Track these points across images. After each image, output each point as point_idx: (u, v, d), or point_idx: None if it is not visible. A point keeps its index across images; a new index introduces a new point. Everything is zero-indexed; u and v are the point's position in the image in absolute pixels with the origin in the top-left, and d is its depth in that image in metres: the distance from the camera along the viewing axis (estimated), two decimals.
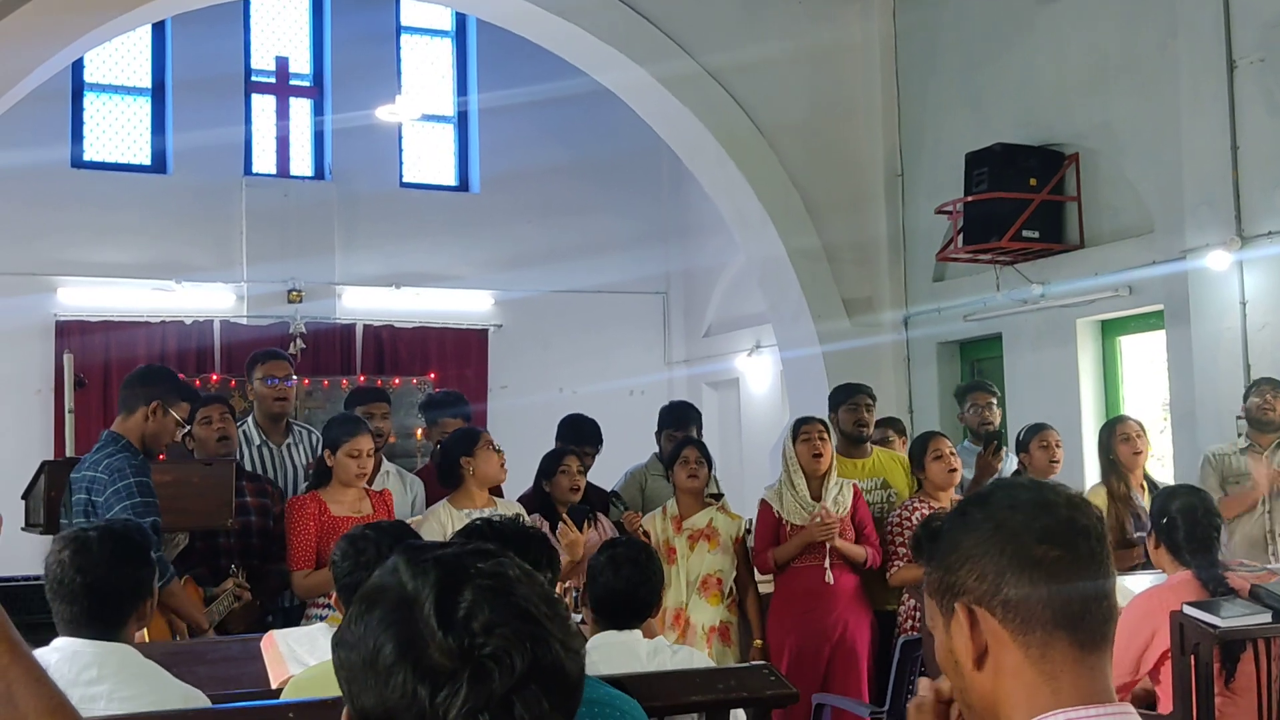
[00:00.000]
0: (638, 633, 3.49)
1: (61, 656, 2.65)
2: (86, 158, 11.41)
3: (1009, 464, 6.40)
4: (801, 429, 5.79)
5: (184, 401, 4.59)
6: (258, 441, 5.75)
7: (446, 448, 5.41)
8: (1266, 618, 3.84)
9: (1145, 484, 5.95)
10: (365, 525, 3.24)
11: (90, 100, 11.52)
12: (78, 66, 11.08)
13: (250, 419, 5.83)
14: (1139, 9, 7.89)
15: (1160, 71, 7.67)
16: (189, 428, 4.55)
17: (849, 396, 6.28)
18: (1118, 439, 6.01)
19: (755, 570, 5.82)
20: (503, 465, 5.30)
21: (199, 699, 2.69)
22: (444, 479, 5.35)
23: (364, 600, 1.25)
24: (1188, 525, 4.05)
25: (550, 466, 5.60)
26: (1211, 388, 7.13)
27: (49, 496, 4.52)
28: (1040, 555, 1.46)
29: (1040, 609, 1.45)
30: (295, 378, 6.00)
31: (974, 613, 1.48)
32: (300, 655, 3.23)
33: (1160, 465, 7.52)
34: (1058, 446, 6.09)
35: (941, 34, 9.44)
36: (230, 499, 4.93)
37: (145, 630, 4.10)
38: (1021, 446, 6.16)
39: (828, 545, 5.57)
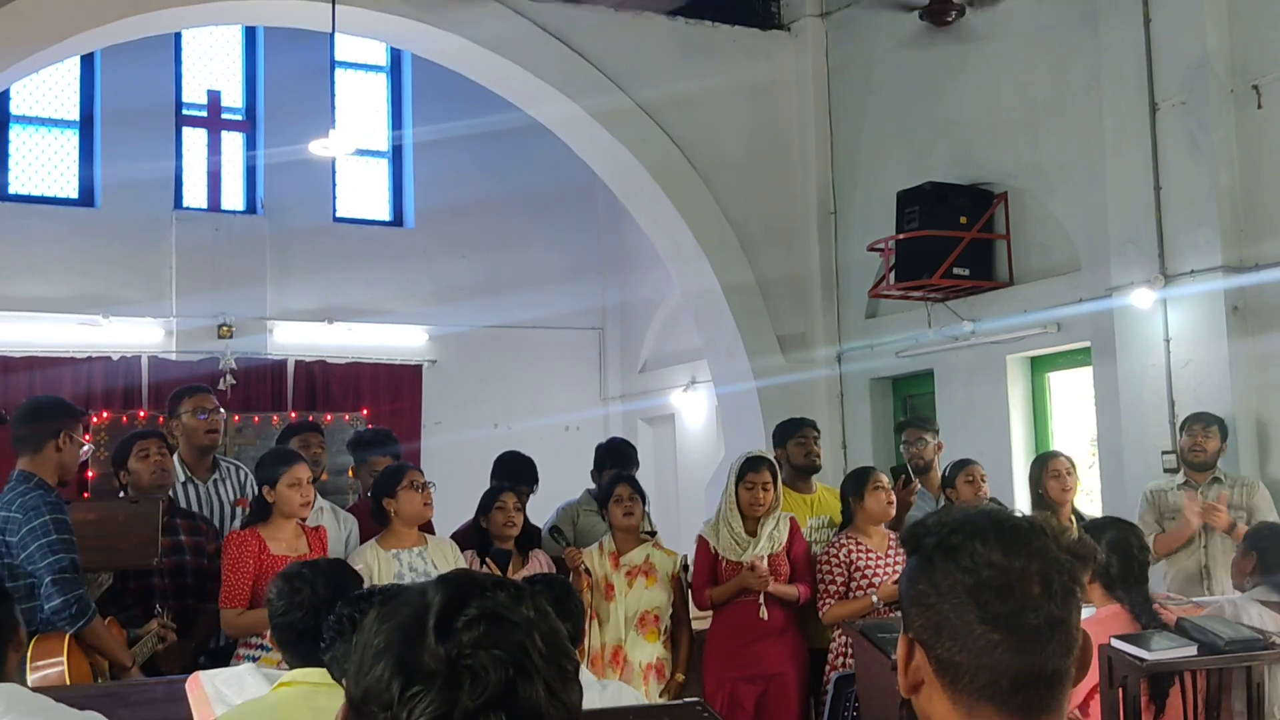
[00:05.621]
0: None
1: None
2: (12, 190, 11.21)
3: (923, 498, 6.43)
4: (748, 475, 5.61)
5: (80, 423, 4.63)
6: (183, 478, 5.64)
7: (373, 489, 5.38)
8: (1193, 650, 3.87)
9: (1073, 518, 6.01)
10: (302, 563, 3.18)
11: (16, 132, 11.34)
12: (3, 98, 10.91)
13: (176, 455, 5.71)
14: (1066, 53, 8.06)
15: (1086, 113, 7.83)
16: (89, 447, 4.51)
17: (797, 430, 6.24)
18: (1048, 475, 6.07)
19: (692, 607, 5.78)
20: (427, 503, 5.20)
21: None
22: (376, 519, 5.31)
23: (387, 597, 1.30)
24: (1121, 559, 4.03)
25: (488, 504, 5.57)
26: (1137, 423, 7.25)
27: None
28: (979, 634, 1.40)
29: (968, 680, 1.41)
30: (223, 410, 5.93)
31: (914, 648, 1.46)
32: (227, 696, 3.16)
33: (1088, 500, 7.62)
34: (983, 480, 6.13)
35: (874, 73, 9.56)
36: (156, 537, 4.82)
37: (66, 672, 4.01)
38: (948, 482, 6.19)
39: None
